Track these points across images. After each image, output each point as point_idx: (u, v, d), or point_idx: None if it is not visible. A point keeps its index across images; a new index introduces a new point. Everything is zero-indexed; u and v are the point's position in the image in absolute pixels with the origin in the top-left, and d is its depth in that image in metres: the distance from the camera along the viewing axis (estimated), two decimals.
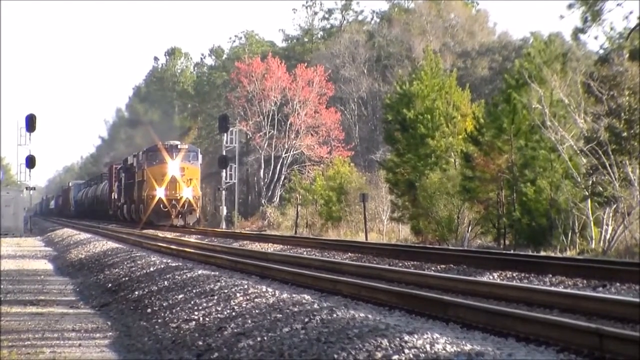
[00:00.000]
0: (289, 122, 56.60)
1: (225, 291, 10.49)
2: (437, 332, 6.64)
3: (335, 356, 6.31)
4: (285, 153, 57.13)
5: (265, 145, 57.08)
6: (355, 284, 10.41)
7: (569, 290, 10.04)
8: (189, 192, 37.92)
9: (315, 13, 76.41)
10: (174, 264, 15.06)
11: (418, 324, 7.46)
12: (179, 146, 39.40)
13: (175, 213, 37.51)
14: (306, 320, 7.70)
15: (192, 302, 10.42)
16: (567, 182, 24.01)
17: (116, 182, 48.54)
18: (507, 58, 52.47)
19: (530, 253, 18.97)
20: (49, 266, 21.59)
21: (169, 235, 29.54)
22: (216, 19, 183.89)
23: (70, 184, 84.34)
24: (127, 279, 14.77)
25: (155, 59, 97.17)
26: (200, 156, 40.84)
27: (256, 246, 22.57)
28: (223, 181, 46.15)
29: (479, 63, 55.97)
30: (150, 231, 32.62)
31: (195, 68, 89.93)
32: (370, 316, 7.58)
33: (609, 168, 22.17)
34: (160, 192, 37.52)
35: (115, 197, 48.45)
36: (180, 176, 37.99)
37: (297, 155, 57.34)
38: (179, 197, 37.69)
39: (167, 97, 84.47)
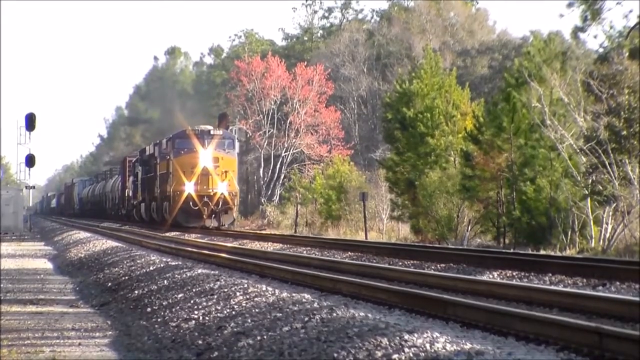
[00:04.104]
0: (288, 121, 56.57)
1: (225, 290, 10.48)
2: (436, 331, 6.64)
3: (335, 355, 6.31)
4: (285, 152, 57.10)
5: (265, 144, 57.06)
6: (355, 283, 10.41)
7: (568, 289, 10.04)
8: (223, 187, 31.84)
9: (315, 12, 76.55)
10: (173, 263, 15.05)
11: (418, 323, 7.46)
12: (211, 132, 32.81)
13: (207, 212, 31.47)
14: (306, 319, 7.69)
15: (192, 301, 10.41)
16: (566, 181, 24.00)
17: (131, 176, 42.92)
18: (506, 57, 52.44)
19: (529, 252, 18.96)
20: (48, 265, 21.60)
21: (169, 234, 29.49)
22: (216, 18, 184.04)
23: (74, 180, 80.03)
24: (126, 278, 14.77)
25: (155, 58, 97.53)
26: (237, 144, 34.51)
27: (256, 245, 22.56)
28: None
29: (479, 62, 55.97)
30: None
31: (195, 67, 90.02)
32: (370, 315, 7.58)
33: (608, 167, 22.17)
34: (189, 187, 31.45)
35: (130, 194, 42.72)
36: (213, 168, 31.93)
37: (297, 154, 57.32)
38: (212, 193, 31.61)
39: (167, 96, 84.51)
